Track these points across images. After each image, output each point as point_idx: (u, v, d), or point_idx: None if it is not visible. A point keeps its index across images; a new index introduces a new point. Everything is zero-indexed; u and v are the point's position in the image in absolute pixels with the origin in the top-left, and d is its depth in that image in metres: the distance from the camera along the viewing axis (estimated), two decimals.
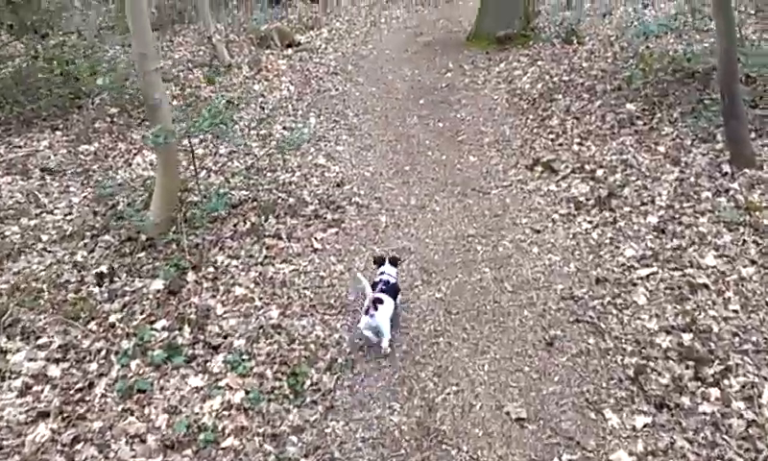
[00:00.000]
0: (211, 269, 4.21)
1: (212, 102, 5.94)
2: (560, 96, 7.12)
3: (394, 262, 3.77)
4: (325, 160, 6.03)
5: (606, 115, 6.34)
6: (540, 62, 8.55)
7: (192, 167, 4.72)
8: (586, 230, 4.47)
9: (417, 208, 5.06)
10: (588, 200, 4.83)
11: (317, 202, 5.11)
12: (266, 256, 4.36)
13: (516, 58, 8.93)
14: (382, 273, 3.62)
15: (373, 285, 3.43)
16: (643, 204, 4.68)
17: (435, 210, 5.01)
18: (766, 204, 4.31)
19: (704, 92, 6.32)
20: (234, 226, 4.76)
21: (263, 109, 7.63)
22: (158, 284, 3.93)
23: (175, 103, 7.67)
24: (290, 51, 10.20)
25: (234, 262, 4.29)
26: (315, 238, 4.59)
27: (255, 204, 5.03)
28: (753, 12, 7.31)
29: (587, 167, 5.34)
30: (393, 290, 3.52)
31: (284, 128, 6.89)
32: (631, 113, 6.29)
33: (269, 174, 5.67)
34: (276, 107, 7.66)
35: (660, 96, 6.42)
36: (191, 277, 4.08)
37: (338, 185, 5.44)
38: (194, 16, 12.63)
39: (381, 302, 3.31)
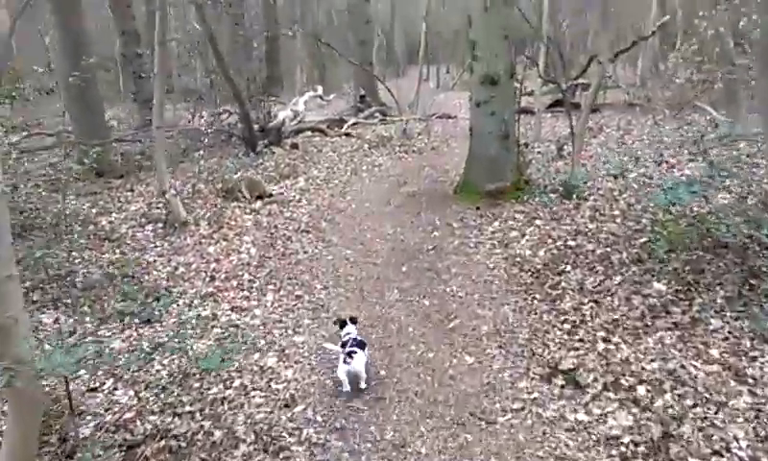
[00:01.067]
0: None
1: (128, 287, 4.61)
2: (569, 267, 5.93)
3: (353, 321, 4.51)
4: (276, 361, 4.63)
5: (631, 298, 5.09)
6: (538, 221, 7.49)
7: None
8: None
9: (393, 448, 3.58)
10: (635, 444, 3.39)
11: (252, 437, 3.62)
12: None
13: (510, 215, 7.89)
14: (347, 333, 4.29)
15: (343, 344, 4.15)
16: (715, 452, 3.25)
17: (419, 455, 3.52)
18: None
19: (743, 267, 5.15)
20: None
21: (213, 278, 6.34)
22: None
23: (111, 270, 6.40)
24: (259, 204, 9.15)
25: None
26: None
27: (164, 442, 3.52)
28: None
29: (623, 382, 3.97)
30: (361, 344, 4.19)
31: (233, 309, 5.56)
32: (662, 295, 5.05)
33: (196, 384, 4.22)
34: (230, 276, 6.38)
35: (694, 273, 5.23)
36: None
37: (287, 406, 3.99)
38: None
39: (356, 352, 4.00)
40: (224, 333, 5.09)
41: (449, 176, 10.54)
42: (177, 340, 4.76)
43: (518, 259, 6.37)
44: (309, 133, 15.71)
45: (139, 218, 8.54)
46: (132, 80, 16.29)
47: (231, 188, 9.48)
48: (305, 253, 7.13)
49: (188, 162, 11.82)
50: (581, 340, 4.59)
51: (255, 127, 13.39)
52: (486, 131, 8.62)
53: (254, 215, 8.61)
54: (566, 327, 4.82)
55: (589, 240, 6.59)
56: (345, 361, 3.95)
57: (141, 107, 16.21)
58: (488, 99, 8.47)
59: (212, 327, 5.20)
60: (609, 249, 6.23)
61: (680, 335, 4.48)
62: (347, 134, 15.41)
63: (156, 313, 5.58)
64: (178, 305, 5.72)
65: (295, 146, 13.52)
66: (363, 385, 4.05)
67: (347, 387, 4.01)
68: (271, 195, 9.61)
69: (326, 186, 10.41)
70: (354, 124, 16.68)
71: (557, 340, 4.64)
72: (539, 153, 11.76)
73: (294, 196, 9.69)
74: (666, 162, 7.65)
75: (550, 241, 6.75)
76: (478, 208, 8.35)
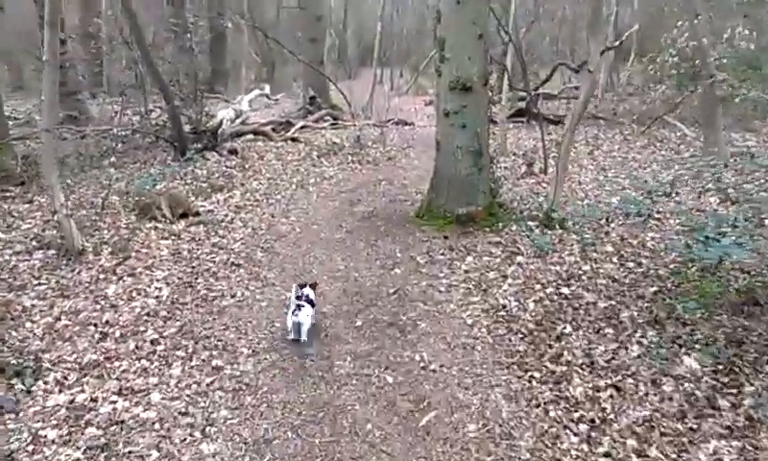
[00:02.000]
0: None
1: None
2: (568, 327, 4.69)
3: (313, 287, 5.06)
4: None
5: (660, 382, 3.86)
6: (520, 258, 6.23)
7: None
8: None
9: None
10: None
11: None
12: None
13: (485, 248, 6.61)
14: (305, 294, 4.83)
15: (297, 297, 4.74)
16: None
17: None
18: None
19: None
20: None
21: (104, 337, 4.72)
22: None
23: None
24: (182, 225, 7.53)
25: None
26: None
27: None
28: None
29: None
30: (311, 302, 4.79)
31: (121, 391, 3.98)
32: (698, 377, 3.84)
33: None
34: (128, 333, 4.78)
35: (733, 344, 4.04)
36: None
37: None
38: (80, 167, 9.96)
39: (303, 306, 4.63)
40: (99, 438, 3.51)
41: (409, 193, 9.20)
42: (31, 448, 3.24)
43: (503, 314, 5.06)
44: (252, 136, 14.07)
45: (29, 242, 6.78)
46: None
47: (149, 204, 7.79)
48: (233, 297, 5.59)
49: (103, 170, 10.02)
50: (607, 455, 3.27)
51: (187, 128, 11.67)
52: (455, 145, 7.31)
53: (174, 241, 6.98)
54: (583, 428, 3.52)
55: (586, 288, 5.36)
56: (293, 313, 4.61)
57: (64, 100, 14.20)
58: (458, 109, 7.16)
59: (86, 424, 3.61)
60: (613, 301, 5.02)
61: (739, 447, 3.24)
62: (293, 140, 13.87)
63: (12, 398, 3.96)
64: (46, 383, 4.09)
65: (233, 152, 11.86)
66: (304, 337, 4.62)
67: (292, 336, 4.65)
68: (197, 214, 7.98)
69: (267, 203, 8.85)
70: (302, 127, 15.14)
71: (574, 453, 3.31)
72: (505, 168, 10.62)
73: (226, 215, 8.09)
74: (676, 192, 6.47)
75: (539, 287, 5.48)
76: (446, 238, 7.03)
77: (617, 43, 11.72)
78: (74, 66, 14.53)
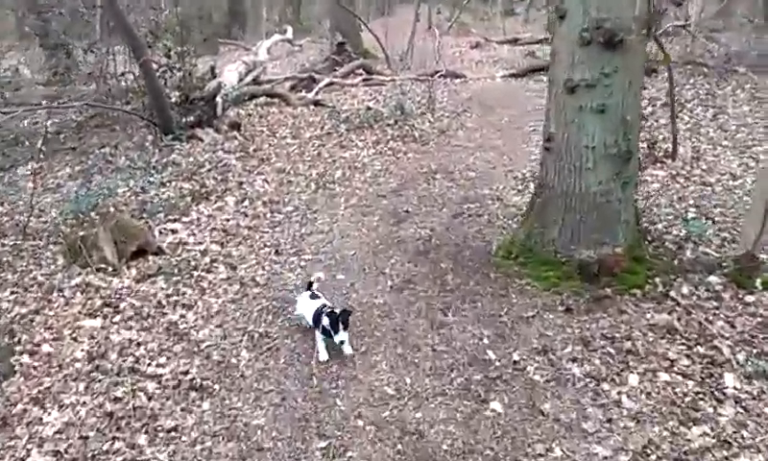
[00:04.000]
0: None
1: None
2: None
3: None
4: None
5: None
6: (728, 380, 3.16)
7: None
8: None
9: None
10: None
11: None
12: None
13: (651, 344, 3.60)
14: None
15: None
16: None
17: None
18: None
19: None
20: None
21: None
22: None
23: None
24: (131, 275, 4.68)
25: None
26: None
27: None
28: None
29: None
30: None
31: None
32: None
33: None
34: None
35: None
36: None
37: None
38: None
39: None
40: None
41: (480, 197, 6.18)
42: None
43: None
44: (264, 98, 11.04)
45: None
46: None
47: (84, 238, 4.94)
48: None
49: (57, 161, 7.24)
50: None
51: (175, 96, 8.70)
52: (583, 143, 4.15)
53: (106, 319, 4.16)
54: None
55: None
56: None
57: (49, 54, 11.48)
58: (595, 79, 4.00)
59: None
60: None
61: None
62: (316, 103, 10.77)
63: None
64: None
65: (235, 126, 8.89)
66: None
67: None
68: (159, 251, 5.12)
69: (270, 222, 5.94)
70: (329, 85, 11.98)
71: None
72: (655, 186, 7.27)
73: (205, 251, 5.22)
74: None
75: None
76: (569, 311, 3.99)
77: None
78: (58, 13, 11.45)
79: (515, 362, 3.59)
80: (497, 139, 8.38)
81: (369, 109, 9.89)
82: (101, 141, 8.31)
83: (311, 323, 3.81)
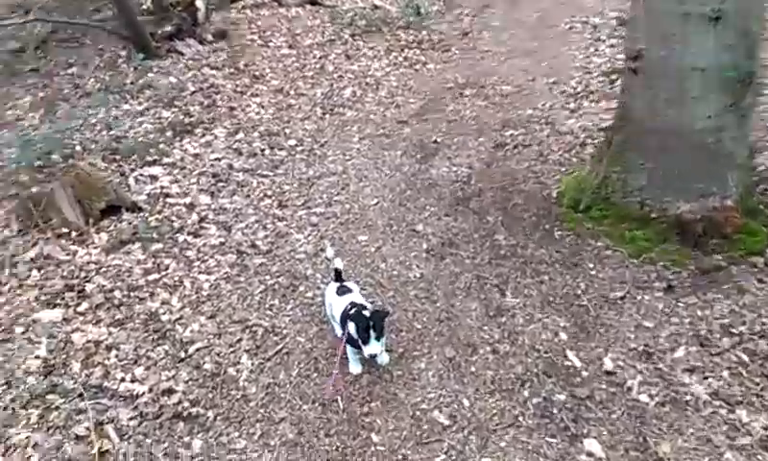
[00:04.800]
0: None
1: None
2: None
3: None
4: None
5: None
6: None
7: None
8: None
9: None
10: None
11: None
12: None
13: None
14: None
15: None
16: None
17: None
18: None
19: None
20: None
21: None
22: None
23: None
24: (99, 241, 3.70)
25: None
26: None
27: None
28: None
29: None
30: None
31: None
32: None
33: None
34: None
35: None
36: None
37: None
38: None
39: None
40: None
41: (523, 121, 5.06)
42: None
43: None
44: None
45: None
46: None
47: (37, 197, 3.91)
48: None
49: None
50: None
51: (147, 2, 7.31)
52: (687, 63, 2.99)
53: (64, 307, 3.23)
54: None
55: None
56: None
57: None
58: None
59: None
60: None
61: None
62: (313, 3, 9.21)
63: None
64: None
65: (221, 35, 7.53)
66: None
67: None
68: (134, 207, 4.09)
69: (270, 160, 4.85)
70: None
71: None
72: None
73: (191, 204, 4.17)
74: None
75: None
76: (670, 289, 3.02)
77: None
78: None
79: (608, 373, 2.67)
80: (530, 41, 7.05)
81: (375, 7, 8.43)
82: (68, 60, 7.01)
83: (339, 329, 2.83)
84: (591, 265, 3.31)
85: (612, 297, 3.08)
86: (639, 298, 3.05)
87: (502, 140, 4.80)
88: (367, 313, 2.57)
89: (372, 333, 2.52)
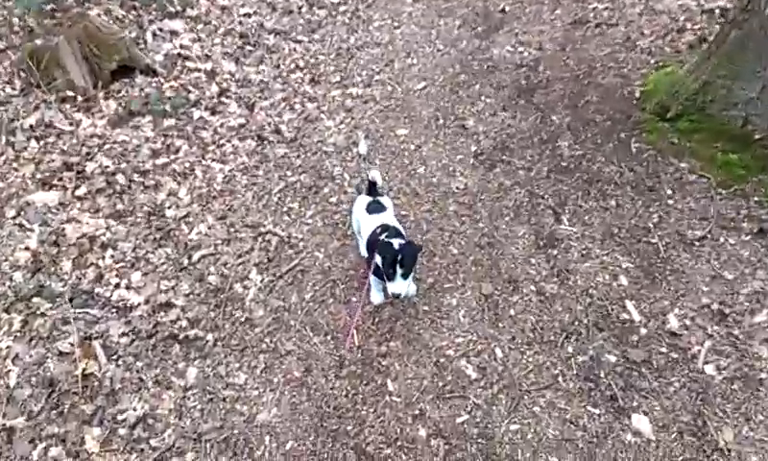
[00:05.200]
0: None
1: None
2: None
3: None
4: None
5: None
6: None
7: None
8: None
9: None
10: None
11: None
12: None
13: None
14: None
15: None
16: None
17: None
18: None
19: None
20: None
21: None
22: None
23: None
24: (107, 109, 3.37)
25: None
26: None
27: None
28: None
29: None
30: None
31: None
32: None
33: None
34: None
35: None
36: None
37: None
38: None
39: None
40: None
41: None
42: None
43: None
44: None
45: None
46: None
47: (38, 53, 3.51)
48: None
49: None
50: None
51: None
52: None
53: (62, 190, 3.00)
54: None
55: None
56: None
57: None
58: None
59: None
60: None
61: None
62: None
63: None
64: None
65: None
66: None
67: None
68: (148, 70, 3.65)
69: (308, 18, 4.20)
70: None
71: None
72: None
73: (211, 70, 3.73)
74: None
75: None
76: (761, 233, 2.47)
77: None
78: None
79: (672, 333, 2.23)
80: None
81: None
82: None
83: (365, 250, 2.42)
84: (670, 192, 2.74)
85: (689, 236, 2.55)
86: (722, 240, 2.50)
87: (583, 15, 3.97)
88: (396, 246, 2.13)
89: (399, 270, 2.10)
